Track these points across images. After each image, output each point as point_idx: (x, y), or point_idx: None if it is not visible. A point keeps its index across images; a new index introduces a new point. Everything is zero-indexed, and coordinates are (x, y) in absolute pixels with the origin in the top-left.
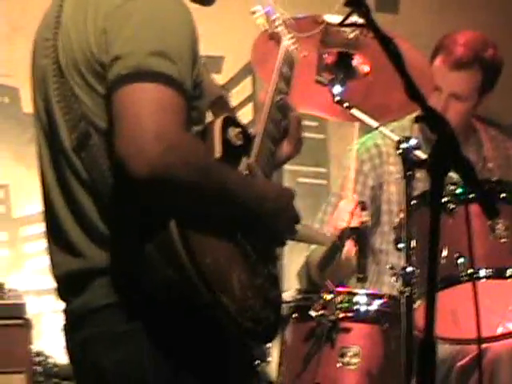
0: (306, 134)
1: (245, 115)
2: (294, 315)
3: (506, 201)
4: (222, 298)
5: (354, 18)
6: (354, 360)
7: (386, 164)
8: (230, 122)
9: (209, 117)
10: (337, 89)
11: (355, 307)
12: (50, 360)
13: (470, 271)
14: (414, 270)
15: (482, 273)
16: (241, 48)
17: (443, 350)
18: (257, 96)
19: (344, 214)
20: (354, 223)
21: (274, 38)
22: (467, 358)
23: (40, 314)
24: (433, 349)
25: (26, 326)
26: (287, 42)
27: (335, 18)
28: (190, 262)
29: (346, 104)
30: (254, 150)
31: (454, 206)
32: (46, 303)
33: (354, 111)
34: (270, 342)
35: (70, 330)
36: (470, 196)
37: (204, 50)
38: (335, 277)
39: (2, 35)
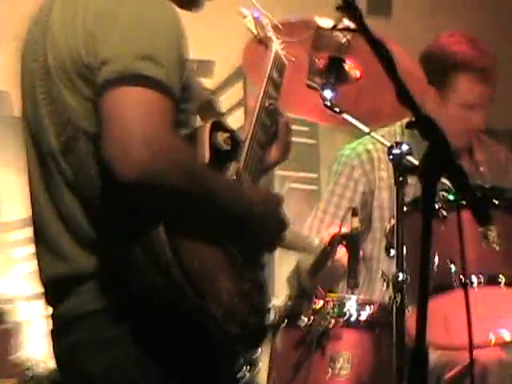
0: (297, 139)
1: (236, 120)
2: (284, 322)
3: (499, 207)
4: (210, 302)
5: (347, 22)
6: (345, 367)
7: (377, 170)
8: (219, 126)
9: (197, 121)
10: (328, 93)
11: (346, 314)
12: (39, 365)
13: (461, 278)
14: (405, 277)
15: (474, 279)
16: (232, 52)
17: (433, 358)
18: (248, 101)
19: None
20: (345, 229)
21: (264, 42)
22: (458, 368)
23: (29, 320)
24: (425, 357)
25: (13, 330)
26: (277, 46)
27: (327, 22)
28: (178, 266)
29: (337, 109)
30: (243, 156)
31: (446, 213)
32: (35, 308)
33: (345, 116)
34: (258, 347)
35: (56, 335)
36: (462, 202)
37: (194, 54)
38: (326, 283)
39: None
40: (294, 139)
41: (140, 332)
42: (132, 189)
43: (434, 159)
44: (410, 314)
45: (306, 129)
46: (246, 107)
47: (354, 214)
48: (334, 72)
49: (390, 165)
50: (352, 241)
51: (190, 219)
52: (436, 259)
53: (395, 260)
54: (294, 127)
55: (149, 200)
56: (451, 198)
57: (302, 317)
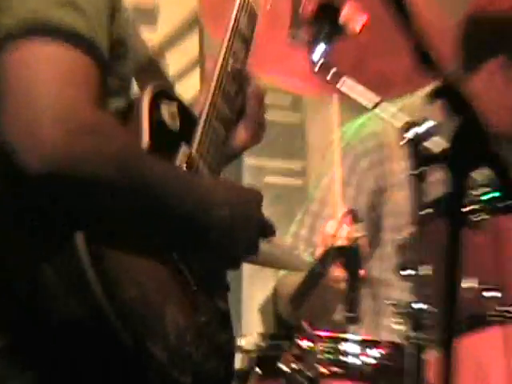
0: (275, 117)
1: (188, 88)
2: (254, 369)
3: None
4: (150, 342)
5: None
6: None
7: (389, 160)
8: (164, 96)
9: (135, 88)
10: (317, 52)
11: (343, 359)
12: None
13: (501, 309)
14: (424, 308)
15: None
16: None
17: None
18: (205, 60)
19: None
20: (342, 240)
21: None
22: None
23: None
24: None
25: None
26: None
27: None
28: (104, 290)
29: (329, 73)
30: (197, 136)
31: (480, 218)
32: None
33: (342, 84)
34: None
35: None
36: (503, 204)
37: None
38: (314, 315)
39: None
40: (270, 115)
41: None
42: (39, 183)
43: (466, 144)
44: (431, 359)
45: (286, 102)
46: (202, 70)
47: (355, 219)
48: (326, 23)
49: (406, 152)
50: (351, 257)
51: (122, 225)
52: (466, 283)
53: (410, 284)
54: (269, 99)
55: (63, 198)
56: (487, 197)
57: (282, 362)
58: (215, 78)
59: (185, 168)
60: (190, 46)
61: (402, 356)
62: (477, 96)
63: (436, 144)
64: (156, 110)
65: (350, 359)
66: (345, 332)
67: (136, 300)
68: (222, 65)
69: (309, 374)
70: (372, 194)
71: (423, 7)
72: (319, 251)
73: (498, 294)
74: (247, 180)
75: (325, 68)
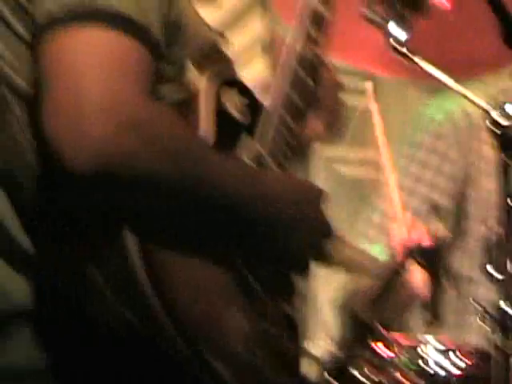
0: (349, 101)
1: (252, 70)
2: (327, 378)
3: None
4: (211, 355)
5: None
6: None
7: (479, 143)
8: (227, 83)
9: (195, 76)
10: (396, 30)
11: (423, 368)
12: None
13: None
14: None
15: None
16: None
17: None
18: (270, 42)
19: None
20: (423, 240)
21: None
22: None
23: None
24: None
25: None
26: None
27: None
28: (157, 295)
29: (409, 52)
30: (265, 130)
31: None
32: None
33: (423, 64)
34: None
35: None
36: None
37: None
38: (387, 315)
39: None
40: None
41: None
42: (86, 183)
43: None
44: None
45: (359, 84)
46: (271, 53)
47: (436, 213)
48: None
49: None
50: (433, 257)
51: (178, 225)
52: None
53: (497, 283)
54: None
55: (112, 197)
56: None
57: (357, 371)
58: (286, 65)
59: (248, 161)
60: (252, 26)
61: (488, 365)
62: None
63: None
64: (218, 99)
65: (433, 368)
66: (424, 334)
67: (193, 305)
68: (294, 50)
69: (384, 381)
70: (454, 179)
71: None
72: (397, 250)
73: None
74: (313, 173)
75: (403, 47)
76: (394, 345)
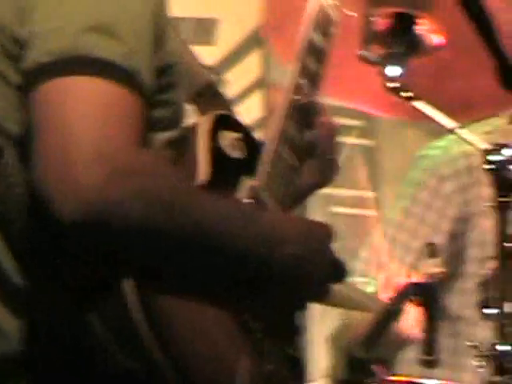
0: (346, 140)
1: (249, 108)
2: None
3: None
4: None
5: None
6: None
7: (478, 185)
8: (224, 122)
9: (192, 115)
10: (392, 70)
11: None
12: None
13: None
14: (509, 350)
15: None
16: (244, 7)
17: None
18: (268, 81)
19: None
20: (419, 276)
21: None
22: None
23: None
24: None
25: None
26: None
27: None
28: (159, 343)
29: (406, 93)
30: (263, 166)
31: None
32: None
33: (420, 105)
34: None
35: None
36: None
37: (191, 11)
38: (387, 357)
39: None
40: (341, 140)
41: None
42: (76, 232)
43: None
44: None
45: (358, 123)
46: (266, 92)
47: (433, 253)
48: (402, 37)
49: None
50: (429, 295)
51: (176, 272)
52: None
53: (494, 323)
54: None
55: (103, 247)
56: None
57: None
58: (284, 106)
59: (247, 201)
60: (251, 65)
61: None
62: None
63: None
64: (215, 139)
65: None
66: (421, 375)
67: (194, 348)
68: (291, 93)
69: None
70: (456, 221)
71: (504, 17)
72: (392, 288)
73: None
74: (312, 211)
75: (400, 88)
76: None
